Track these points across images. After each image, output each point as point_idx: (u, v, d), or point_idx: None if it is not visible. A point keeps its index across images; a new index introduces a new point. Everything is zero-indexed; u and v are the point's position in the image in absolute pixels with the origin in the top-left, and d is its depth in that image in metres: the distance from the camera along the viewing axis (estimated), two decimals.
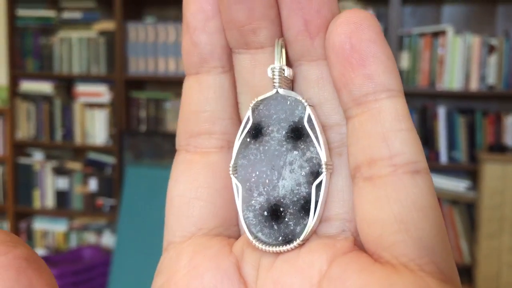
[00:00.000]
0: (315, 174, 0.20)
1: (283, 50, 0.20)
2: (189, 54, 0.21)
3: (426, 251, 0.17)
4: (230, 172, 0.21)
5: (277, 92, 0.20)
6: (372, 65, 0.18)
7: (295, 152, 0.20)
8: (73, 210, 2.49)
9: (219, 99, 0.21)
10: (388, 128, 0.18)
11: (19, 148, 2.53)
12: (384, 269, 0.17)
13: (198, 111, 0.21)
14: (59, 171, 2.50)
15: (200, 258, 0.20)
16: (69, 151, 2.57)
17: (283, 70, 0.20)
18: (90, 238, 2.50)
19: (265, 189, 0.20)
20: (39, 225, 2.55)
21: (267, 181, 0.20)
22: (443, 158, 2.10)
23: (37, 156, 2.55)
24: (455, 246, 2.06)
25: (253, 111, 0.21)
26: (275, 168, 0.20)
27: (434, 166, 2.09)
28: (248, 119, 0.21)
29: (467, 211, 2.07)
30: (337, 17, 0.18)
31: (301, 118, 0.20)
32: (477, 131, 2.10)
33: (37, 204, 2.52)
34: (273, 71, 0.20)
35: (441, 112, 2.12)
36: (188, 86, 0.22)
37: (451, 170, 2.11)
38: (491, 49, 2.06)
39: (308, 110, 0.20)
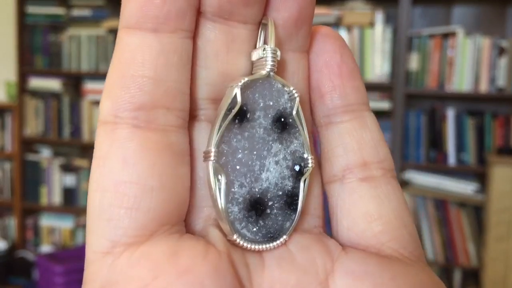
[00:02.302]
0: (298, 167, 0.19)
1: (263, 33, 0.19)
2: (151, 4, 0.17)
3: (417, 244, 0.20)
4: (212, 159, 0.18)
5: (269, 75, 0.18)
6: (358, 80, 0.20)
7: (280, 143, 0.19)
8: (80, 207, 2.49)
9: (183, 67, 0.17)
10: (375, 136, 0.20)
11: (27, 144, 2.54)
12: (398, 263, 0.19)
13: (156, 79, 0.17)
14: (67, 168, 2.51)
15: (189, 261, 0.16)
16: (77, 148, 2.58)
17: (277, 52, 0.18)
18: None
19: (247, 180, 0.18)
20: (46, 221, 2.56)
21: (249, 171, 0.18)
22: (452, 160, 2.09)
23: (45, 153, 2.56)
24: (462, 249, 2.05)
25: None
26: (257, 158, 0.18)
27: (442, 168, 2.08)
28: (235, 99, 0.18)
29: (475, 213, 2.05)
30: (320, 28, 0.20)
31: (286, 108, 0.19)
32: (486, 134, 2.08)
33: (44, 200, 2.53)
34: (266, 52, 0.18)
35: (450, 114, 2.11)
36: (139, 43, 0.17)
37: (459, 172, 2.10)
38: (501, 51, 2.04)
39: (298, 102, 0.19)
